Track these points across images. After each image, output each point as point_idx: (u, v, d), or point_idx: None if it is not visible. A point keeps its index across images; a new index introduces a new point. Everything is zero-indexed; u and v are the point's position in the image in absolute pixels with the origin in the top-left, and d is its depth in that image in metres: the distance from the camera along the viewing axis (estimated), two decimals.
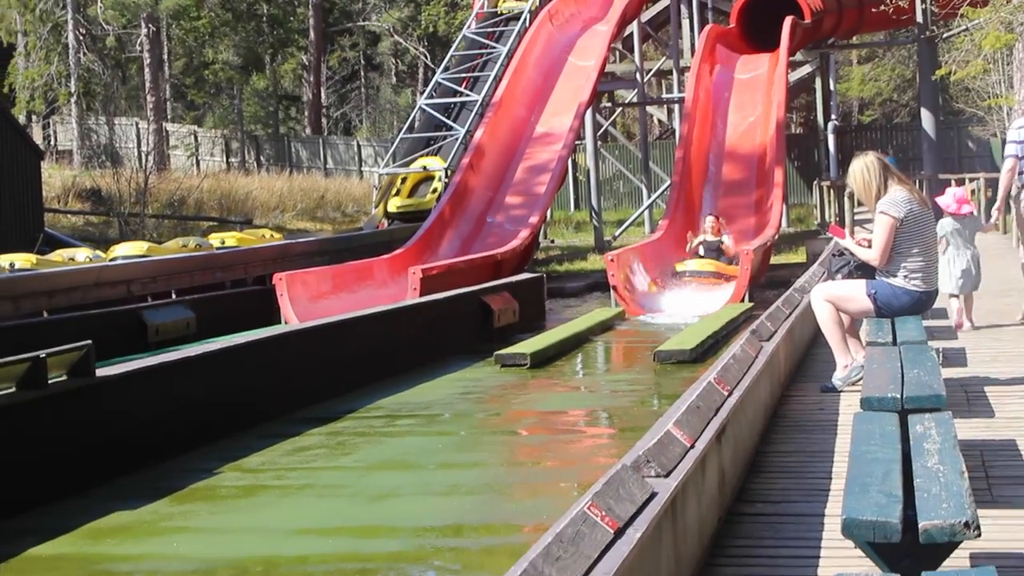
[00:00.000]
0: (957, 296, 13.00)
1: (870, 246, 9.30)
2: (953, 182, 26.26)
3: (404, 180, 29.58)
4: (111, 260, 22.05)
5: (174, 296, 20.60)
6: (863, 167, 9.24)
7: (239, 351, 12.12)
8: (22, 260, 21.13)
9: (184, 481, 9.65)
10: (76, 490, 9.17)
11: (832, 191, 32.31)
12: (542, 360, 15.56)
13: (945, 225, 12.78)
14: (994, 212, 13.67)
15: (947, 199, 13.12)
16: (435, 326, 16.56)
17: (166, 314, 18.78)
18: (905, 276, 9.18)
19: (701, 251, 23.55)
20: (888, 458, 5.35)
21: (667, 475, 5.32)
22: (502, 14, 33.80)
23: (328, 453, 10.75)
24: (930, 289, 9.31)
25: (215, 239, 25.67)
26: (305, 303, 19.92)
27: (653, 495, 4.97)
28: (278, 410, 12.08)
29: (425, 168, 29.52)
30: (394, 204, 29.06)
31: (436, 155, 29.98)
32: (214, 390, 11.29)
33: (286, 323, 18.86)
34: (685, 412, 6.26)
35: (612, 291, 21.85)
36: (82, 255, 22.59)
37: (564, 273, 30.05)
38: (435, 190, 28.53)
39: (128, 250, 23.07)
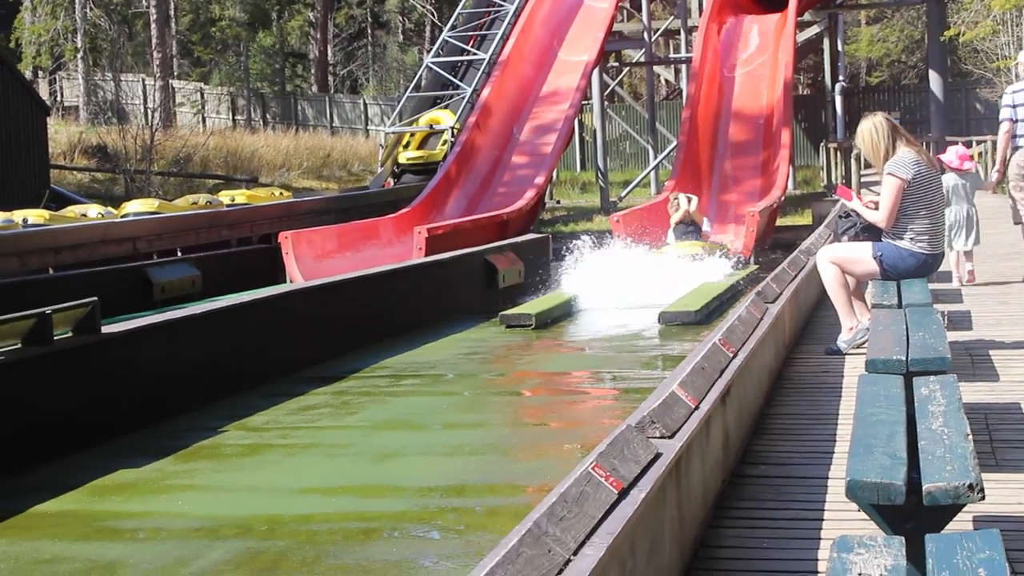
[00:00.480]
0: (958, 251, 13.28)
1: (877, 208, 9.28)
2: (960, 144, 26.19)
3: (414, 133, 29.57)
4: (122, 217, 22.06)
5: (180, 254, 20.61)
6: (872, 127, 9.21)
7: (244, 309, 12.13)
8: (35, 216, 21.14)
9: (189, 439, 9.68)
10: (81, 447, 9.20)
11: (839, 153, 32.24)
12: (547, 321, 15.57)
13: (947, 181, 12.86)
14: (994, 175, 13.82)
15: (949, 155, 13.40)
16: (440, 286, 16.57)
17: (172, 272, 18.80)
18: (911, 238, 9.16)
19: (677, 234, 21.95)
20: (892, 420, 5.35)
21: (671, 436, 5.32)
22: None
23: (333, 412, 10.77)
24: (936, 252, 9.29)
25: (225, 196, 25.66)
26: (310, 262, 19.92)
27: (657, 456, 4.97)
28: (283, 369, 12.10)
29: (431, 127, 29.43)
30: (404, 156, 29.04)
31: (447, 108, 29.93)
32: (219, 348, 11.31)
33: (291, 282, 18.86)
34: (690, 373, 6.25)
35: None
36: (94, 211, 22.58)
37: (570, 234, 29.97)
38: (445, 142, 28.51)
39: (139, 207, 23.08)
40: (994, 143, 29.73)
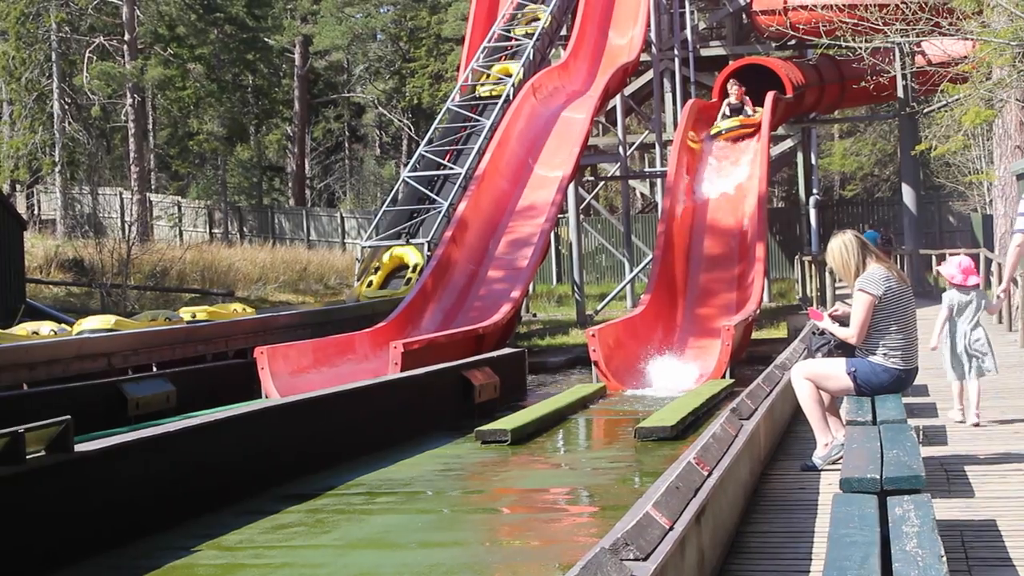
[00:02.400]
0: (961, 382, 11.72)
1: (847, 324, 9.35)
2: (934, 257, 26.34)
3: (378, 269, 29.43)
4: (77, 334, 21.89)
5: (155, 369, 20.54)
6: (841, 245, 9.31)
7: (219, 426, 12.08)
8: None
9: (162, 559, 9.59)
10: (54, 567, 9.11)
11: (814, 265, 32.41)
12: (523, 436, 15.53)
13: (950, 298, 11.55)
14: (1000, 294, 12.61)
15: (951, 268, 11.70)
16: (416, 401, 16.53)
17: (146, 387, 18.69)
18: (884, 354, 9.21)
19: (727, 111, 30.52)
20: (866, 541, 5.35)
21: (646, 558, 5.31)
22: (481, 97, 33.89)
23: (307, 531, 10.69)
24: (909, 367, 9.34)
25: (186, 313, 25.57)
26: (286, 377, 19.88)
27: None
28: (258, 486, 12.02)
29: (402, 259, 29.32)
30: (366, 294, 28.90)
31: (417, 237, 29.94)
32: (193, 466, 11.25)
33: (267, 397, 18.82)
34: (664, 493, 6.25)
35: (594, 366, 21.85)
36: (46, 328, 22.39)
37: (546, 347, 30.05)
38: (408, 280, 28.41)
39: (95, 324, 22.90)
40: (969, 257, 29.90)
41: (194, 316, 25.01)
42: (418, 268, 28.05)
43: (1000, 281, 12.19)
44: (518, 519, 11.59)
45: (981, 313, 11.60)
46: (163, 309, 27.75)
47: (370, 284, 28.98)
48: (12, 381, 18.30)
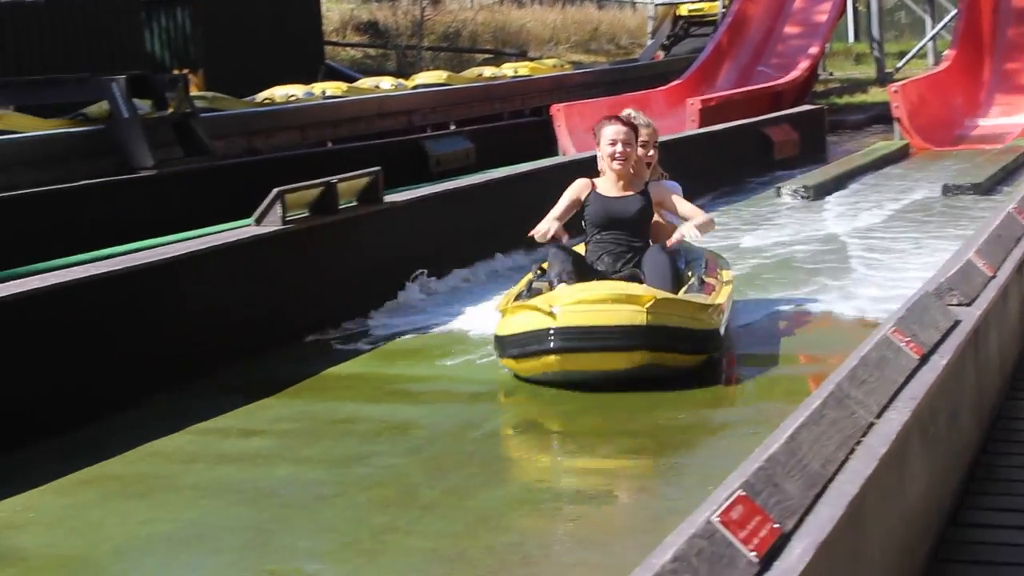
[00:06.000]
0: None
1: None
2: None
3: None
4: (413, 88, 22.78)
5: (453, 127, 20.88)
6: None
7: (521, 179, 12.30)
8: (332, 88, 21.91)
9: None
10: (361, 312, 9.39)
11: None
12: (823, 192, 15.39)
13: None
14: None
15: None
16: (715, 158, 16.42)
17: (446, 144, 19.05)
18: None
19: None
20: None
21: (970, 304, 5.20)
22: None
23: None
24: None
25: (508, 69, 26.08)
26: (582, 134, 19.89)
27: (956, 323, 4.87)
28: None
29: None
30: (685, 8, 29.27)
31: None
32: (497, 217, 11.43)
33: (563, 154, 18.91)
34: (986, 241, 6.09)
35: (896, 123, 21.24)
36: (386, 83, 23.36)
37: (844, 106, 29.37)
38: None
39: (428, 78, 23.80)
40: None
41: (516, 72, 25.55)
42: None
43: None
44: (827, 268, 11.39)
45: None
46: (473, 68, 28.34)
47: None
48: (317, 138, 18.86)
